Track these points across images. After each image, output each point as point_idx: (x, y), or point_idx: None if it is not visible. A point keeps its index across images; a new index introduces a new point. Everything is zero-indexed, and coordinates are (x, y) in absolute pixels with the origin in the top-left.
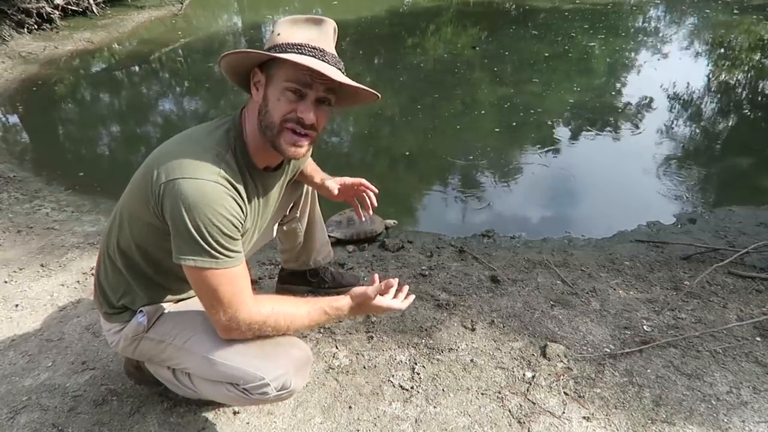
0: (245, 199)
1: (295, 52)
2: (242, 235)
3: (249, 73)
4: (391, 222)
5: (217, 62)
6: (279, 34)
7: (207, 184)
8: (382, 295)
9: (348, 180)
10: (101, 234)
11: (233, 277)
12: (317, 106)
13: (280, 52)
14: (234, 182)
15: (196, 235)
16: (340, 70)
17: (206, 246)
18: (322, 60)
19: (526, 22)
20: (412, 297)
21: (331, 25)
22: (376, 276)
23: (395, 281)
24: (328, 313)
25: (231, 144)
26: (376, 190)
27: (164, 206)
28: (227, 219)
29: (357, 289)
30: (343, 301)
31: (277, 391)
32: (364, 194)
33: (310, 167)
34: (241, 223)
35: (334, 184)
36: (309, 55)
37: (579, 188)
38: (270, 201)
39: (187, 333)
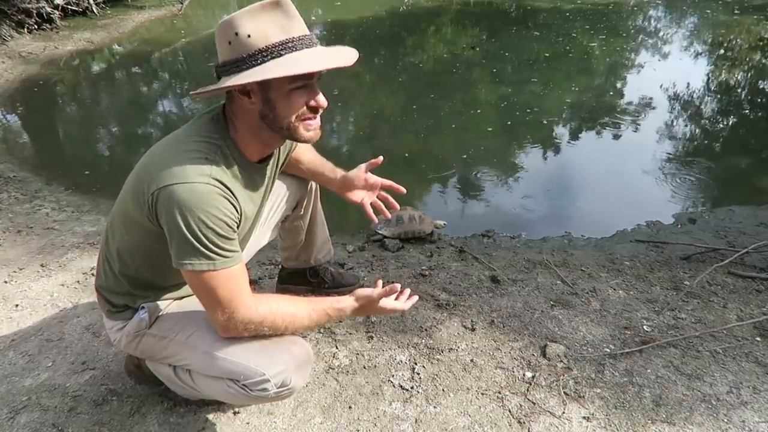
0: (238, 198)
1: (288, 52)
2: (245, 230)
3: None
4: (440, 222)
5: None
6: (249, 36)
7: (198, 186)
8: (386, 297)
9: (372, 178)
10: (101, 236)
11: (231, 277)
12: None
13: (263, 60)
14: (224, 181)
15: (191, 238)
16: (317, 44)
17: (202, 248)
18: (310, 46)
19: (527, 23)
20: (415, 298)
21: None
22: (380, 281)
23: (398, 286)
24: (329, 314)
25: (218, 143)
26: (396, 206)
27: (159, 213)
28: (221, 220)
29: (361, 291)
30: (346, 303)
31: (277, 388)
32: (380, 201)
33: (310, 155)
34: (235, 222)
35: (357, 171)
36: (298, 50)
37: (579, 188)
38: (267, 189)
39: (190, 329)
